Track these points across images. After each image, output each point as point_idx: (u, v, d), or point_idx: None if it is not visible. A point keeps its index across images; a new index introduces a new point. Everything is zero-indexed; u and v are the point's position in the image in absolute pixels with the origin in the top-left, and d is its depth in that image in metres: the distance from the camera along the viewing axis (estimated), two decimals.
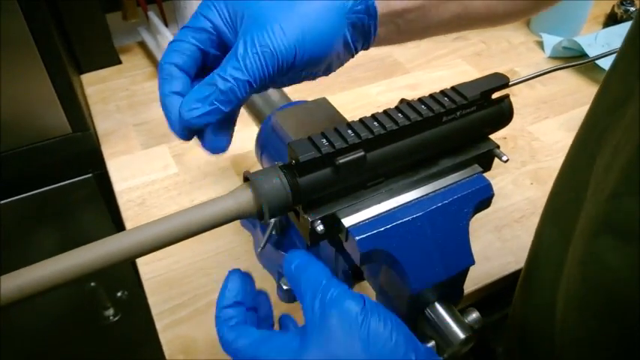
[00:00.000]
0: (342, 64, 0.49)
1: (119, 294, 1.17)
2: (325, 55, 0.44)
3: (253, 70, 0.41)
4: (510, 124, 0.51)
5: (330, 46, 0.44)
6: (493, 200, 0.50)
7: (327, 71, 0.48)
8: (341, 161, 0.42)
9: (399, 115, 0.44)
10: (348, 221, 0.44)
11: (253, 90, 0.42)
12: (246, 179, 0.43)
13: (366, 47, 0.49)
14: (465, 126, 0.47)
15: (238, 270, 0.47)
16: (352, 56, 0.49)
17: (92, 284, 1.11)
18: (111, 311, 1.20)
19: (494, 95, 0.48)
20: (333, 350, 0.37)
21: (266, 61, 0.41)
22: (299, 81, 0.48)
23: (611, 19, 1.24)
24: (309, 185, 0.42)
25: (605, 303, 0.41)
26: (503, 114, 0.49)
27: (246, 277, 0.47)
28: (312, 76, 0.48)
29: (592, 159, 0.45)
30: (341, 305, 0.38)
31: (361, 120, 0.44)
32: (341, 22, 0.44)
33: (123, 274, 1.09)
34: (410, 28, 0.50)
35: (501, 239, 0.75)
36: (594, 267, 0.42)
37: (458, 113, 0.46)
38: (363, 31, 0.47)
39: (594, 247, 0.42)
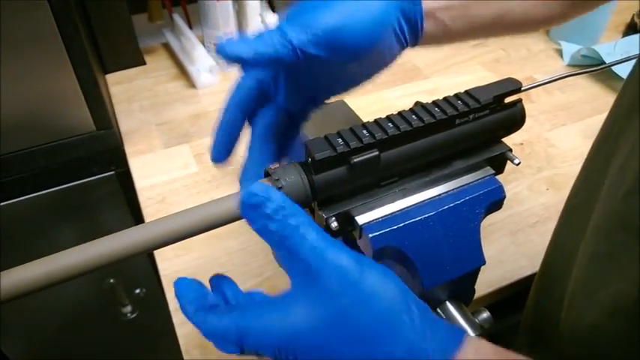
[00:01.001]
0: (393, 59, 0.50)
1: (137, 291, 1.18)
2: (376, 38, 0.44)
3: (297, 35, 0.41)
4: (527, 130, 0.52)
5: (380, 30, 0.45)
6: (508, 205, 0.51)
7: (380, 64, 0.49)
8: (355, 160, 0.43)
9: (413, 116, 0.45)
10: (361, 219, 0.46)
11: (296, 57, 0.42)
12: (267, 174, 0.44)
13: (414, 42, 0.50)
14: (477, 129, 0.48)
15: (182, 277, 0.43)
16: (403, 49, 0.50)
17: (111, 281, 1.12)
18: (129, 308, 1.21)
19: (508, 99, 0.49)
20: (329, 307, 0.34)
21: (312, 31, 0.41)
22: (352, 81, 0.49)
23: (631, 29, 1.24)
24: (324, 183, 0.43)
25: (612, 300, 0.42)
26: (515, 118, 0.50)
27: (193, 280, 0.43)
28: (367, 72, 0.49)
29: (607, 161, 0.46)
30: (335, 260, 0.35)
31: (376, 121, 0.45)
32: (391, 8, 0.45)
33: (141, 271, 1.11)
34: (454, 26, 0.50)
35: (515, 243, 0.76)
36: (606, 264, 0.43)
37: (471, 116, 0.47)
38: (412, 21, 0.47)
39: (607, 245, 0.42)
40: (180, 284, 0.41)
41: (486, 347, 0.36)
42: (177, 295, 0.41)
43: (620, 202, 0.41)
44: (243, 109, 0.50)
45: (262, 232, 0.36)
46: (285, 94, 0.49)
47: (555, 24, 0.57)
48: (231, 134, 0.51)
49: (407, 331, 0.34)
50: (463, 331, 0.36)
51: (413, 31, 0.49)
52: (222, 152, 0.51)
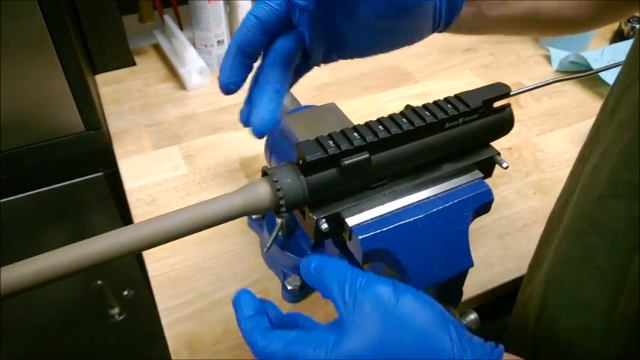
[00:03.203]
0: (422, 37, 0.50)
1: (125, 293, 1.17)
2: (414, 2, 0.45)
3: None
4: (516, 135, 0.52)
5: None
6: (496, 209, 0.51)
7: (406, 37, 0.49)
8: (346, 162, 0.43)
9: (404, 120, 0.46)
10: (351, 221, 0.46)
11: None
12: (264, 174, 0.44)
13: (446, 25, 0.50)
14: (466, 132, 0.48)
15: (246, 290, 0.46)
16: (433, 31, 0.50)
17: (99, 282, 1.12)
18: (116, 310, 1.21)
19: (497, 104, 0.50)
20: (372, 334, 0.36)
21: None
22: (372, 45, 0.49)
23: (618, 36, 1.25)
24: (315, 184, 0.43)
25: (589, 302, 0.43)
26: (504, 122, 0.50)
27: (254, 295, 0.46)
28: (390, 41, 0.49)
29: (585, 165, 0.47)
30: (372, 290, 0.38)
31: (367, 124, 0.46)
32: None
33: (129, 273, 1.11)
34: (489, 14, 0.51)
35: (503, 247, 0.76)
36: (580, 268, 0.43)
37: (460, 120, 0.47)
38: (452, 1, 0.48)
39: (580, 248, 0.43)
40: (241, 298, 0.44)
41: None
42: (236, 309, 0.43)
43: (592, 204, 0.42)
44: (264, 27, 0.44)
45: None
46: (309, 38, 0.46)
47: (586, 28, 0.58)
48: (249, 55, 0.44)
49: (447, 347, 0.36)
50: (502, 347, 0.37)
51: (450, 11, 0.49)
52: (236, 75, 0.44)
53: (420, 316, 0.37)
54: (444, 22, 0.51)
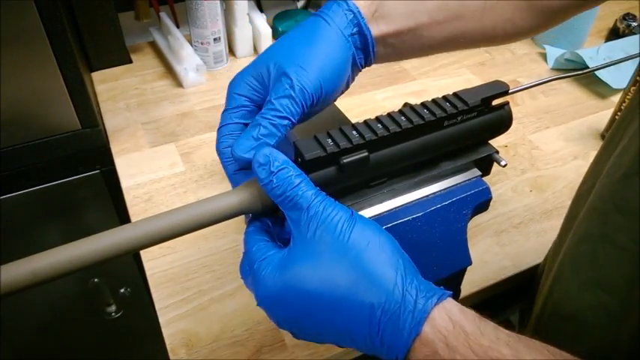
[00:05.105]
0: (354, 79, 0.52)
1: (122, 290, 1.17)
2: (344, 77, 0.48)
3: (288, 108, 0.44)
4: (512, 132, 0.52)
5: (346, 70, 0.48)
6: (493, 206, 0.51)
7: (345, 89, 0.51)
8: (345, 161, 0.43)
9: (402, 118, 0.46)
10: None
11: (294, 123, 0.44)
12: None
13: (369, 63, 0.52)
14: (465, 130, 0.49)
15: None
16: (360, 71, 0.52)
17: (95, 280, 1.12)
18: (113, 307, 1.21)
19: (495, 102, 0.50)
20: (314, 257, 0.38)
21: (297, 98, 0.44)
22: (328, 103, 0.51)
23: (614, 34, 1.26)
24: (314, 183, 0.43)
25: (603, 279, 0.43)
26: (502, 120, 0.50)
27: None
28: (340, 91, 0.51)
29: (614, 149, 0.47)
30: (327, 216, 0.38)
31: (365, 122, 0.46)
32: (347, 46, 0.47)
33: (126, 270, 1.11)
34: (406, 47, 0.52)
35: (500, 244, 0.76)
36: (599, 245, 0.43)
37: (459, 118, 0.48)
38: (364, 49, 0.50)
39: (601, 226, 0.43)
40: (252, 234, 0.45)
41: (468, 311, 0.38)
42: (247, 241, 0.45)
43: (616, 184, 0.43)
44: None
45: (267, 185, 0.40)
46: None
47: (521, 39, 0.58)
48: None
49: (388, 278, 0.37)
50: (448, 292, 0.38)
51: (366, 58, 0.51)
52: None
53: (367, 244, 0.38)
54: (367, 64, 0.52)
